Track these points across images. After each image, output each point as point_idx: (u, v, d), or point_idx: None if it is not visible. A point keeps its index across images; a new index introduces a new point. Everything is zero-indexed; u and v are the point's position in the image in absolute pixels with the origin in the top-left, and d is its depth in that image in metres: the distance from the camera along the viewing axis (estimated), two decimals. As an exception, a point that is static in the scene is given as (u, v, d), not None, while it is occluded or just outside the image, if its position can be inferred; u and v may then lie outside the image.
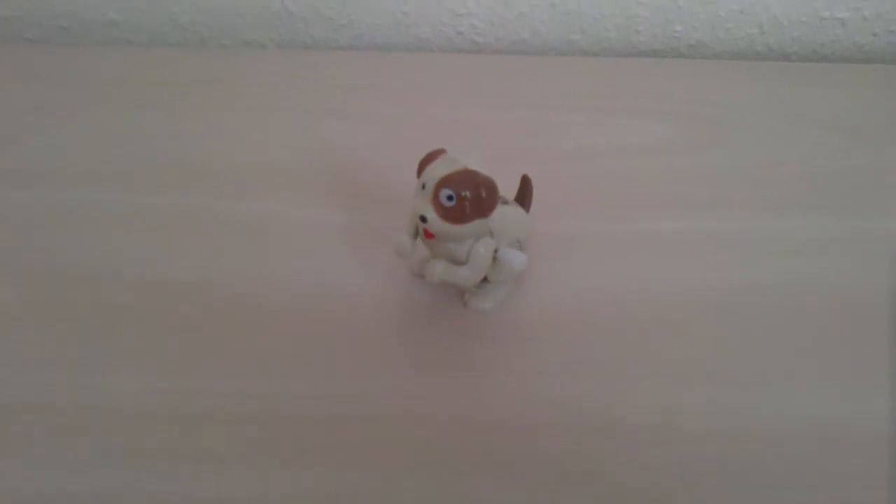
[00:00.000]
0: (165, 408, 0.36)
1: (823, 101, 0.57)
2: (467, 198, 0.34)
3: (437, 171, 0.34)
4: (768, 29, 0.65)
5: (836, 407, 0.37)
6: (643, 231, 0.46)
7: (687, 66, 0.62)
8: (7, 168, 0.49)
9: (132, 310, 0.40)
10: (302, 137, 0.52)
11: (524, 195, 0.42)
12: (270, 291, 0.42)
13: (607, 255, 0.45)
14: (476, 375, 0.38)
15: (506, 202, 0.38)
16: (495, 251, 0.37)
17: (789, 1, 0.63)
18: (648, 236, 0.46)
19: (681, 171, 0.50)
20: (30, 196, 0.47)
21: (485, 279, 0.39)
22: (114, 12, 0.64)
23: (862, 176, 0.50)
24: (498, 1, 0.63)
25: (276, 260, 0.43)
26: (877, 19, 0.64)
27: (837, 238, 0.46)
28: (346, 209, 0.46)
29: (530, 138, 0.52)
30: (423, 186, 0.34)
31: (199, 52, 0.62)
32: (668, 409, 0.37)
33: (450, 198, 0.34)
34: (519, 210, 0.40)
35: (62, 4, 0.63)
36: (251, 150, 0.51)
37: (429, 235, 0.35)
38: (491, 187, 0.34)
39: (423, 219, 0.34)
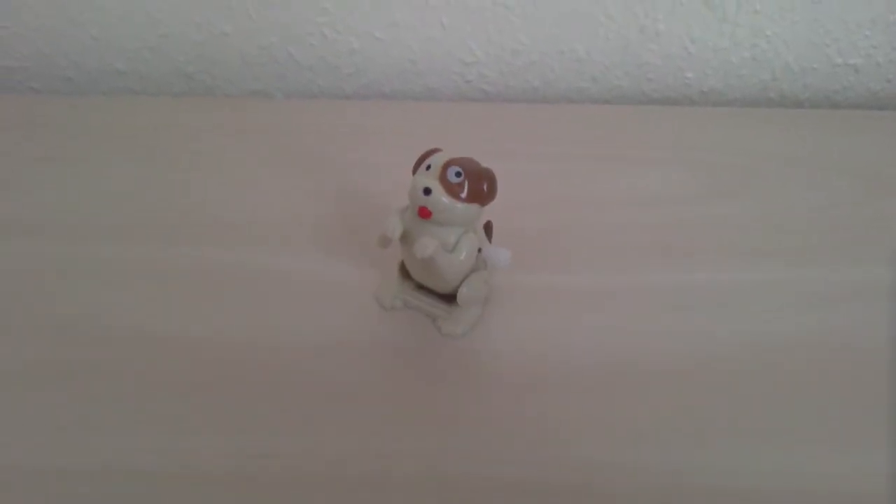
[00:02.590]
0: (168, 467, 0.34)
1: (837, 148, 0.56)
2: (473, 178, 0.35)
3: (444, 156, 0.36)
4: (781, 76, 0.64)
5: (842, 464, 0.35)
6: (653, 283, 0.45)
7: (699, 113, 0.61)
8: (10, 219, 0.48)
9: (131, 366, 0.39)
10: (309, 188, 0.51)
11: (487, 237, 0.42)
12: (279, 348, 0.40)
13: (616, 305, 0.43)
14: (475, 431, 0.36)
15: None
16: (479, 250, 0.38)
17: (802, 48, 0.62)
18: (658, 287, 0.44)
19: (694, 220, 0.49)
20: (33, 248, 0.46)
21: (455, 303, 0.39)
22: (119, 62, 0.64)
23: (878, 224, 0.49)
24: (506, 49, 0.62)
25: (283, 314, 0.42)
26: (890, 65, 0.64)
27: (854, 289, 0.44)
28: (355, 262, 0.45)
29: (540, 187, 0.51)
30: (428, 167, 0.36)
31: (205, 102, 0.61)
32: (680, 465, 0.35)
33: (458, 174, 0.35)
34: (485, 237, 0.41)
35: (68, 55, 0.63)
36: (258, 202, 0.50)
37: (426, 214, 0.35)
38: (493, 177, 0.36)
39: (427, 190, 0.35)
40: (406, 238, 0.38)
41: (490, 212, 0.47)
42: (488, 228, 0.42)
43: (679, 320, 0.42)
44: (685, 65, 0.63)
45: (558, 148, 0.55)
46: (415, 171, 0.37)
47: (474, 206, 0.36)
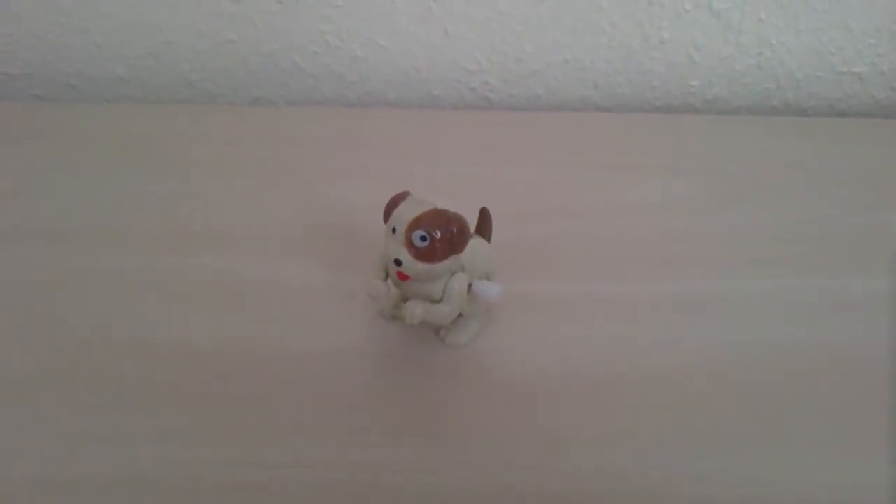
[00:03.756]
0: (168, 477, 0.34)
1: (842, 157, 0.56)
2: (440, 237, 0.34)
3: (407, 213, 0.35)
4: (785, 84, 0.64)
5: (845, 473, 0.35)
6: (656, 291, 0.44)
7: (703, 121, 0.61)
8: (13, 227, 0.48)
9: (131, 374, 0.39)
10: (312, 196, 0.51)
11: (484, 227, 0.41)
12: (282, 356, 0.40)
13: (619, 314, 0.43)
14: (476, 441, 0.36)
15: (471, 236, 0.38)
16: (469, 285, 0.37)
17: (806, 56, 0.62)
18: (660, 297, 0.44)
19: (697, 229, 0.49)
20: (36, 256, 0.46)
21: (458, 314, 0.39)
22: (122, 70, 0.64)
23: (882, 233, 0.49)
24: (510, 57, 0.62)
25: (285, 323, 0.42)
26: (894, 74, 0.63)
27: (858, 298, 0.44)
28: (356, 270, 0.45)
29: (544, 196, 0.51)
30: (394, 230, 0.35)
31: (209, 110, 0.61)
32: (682, 474, 0.35)
33: (423, 238, 0.34)
34: (483, 242, 0.40)
35: (71, 62, 0.63)
36: (262, 210, 0.49)
37: (403, 278, 0.35)
38: (462, 224, 0.35)
39: (398, 262, 0.34)
40: (395, 283, 0.37)
41: (494, 220, 0.47)
42: (485, 216, 0.41)
43: (682, 329, 0.42)
44: (689, 73, 0.63)
45: (561, 156, 0.55)
46: (385, 217, 0.36)
47: (450, 259, 0.35)
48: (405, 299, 0.40)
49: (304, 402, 0.38)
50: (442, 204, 0.36)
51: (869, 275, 0.46)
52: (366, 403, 0.38)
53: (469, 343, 0.41)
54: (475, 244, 0.38)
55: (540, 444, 0.36)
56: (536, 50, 0.62)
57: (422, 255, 0.34)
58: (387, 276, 0.37)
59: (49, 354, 0.40)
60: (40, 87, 0.65)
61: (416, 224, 0.34)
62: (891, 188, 0.53)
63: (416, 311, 0.36)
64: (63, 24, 0.61)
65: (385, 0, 0.59)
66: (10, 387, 0.38)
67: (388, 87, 0.64)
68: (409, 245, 0.34)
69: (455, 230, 0.34)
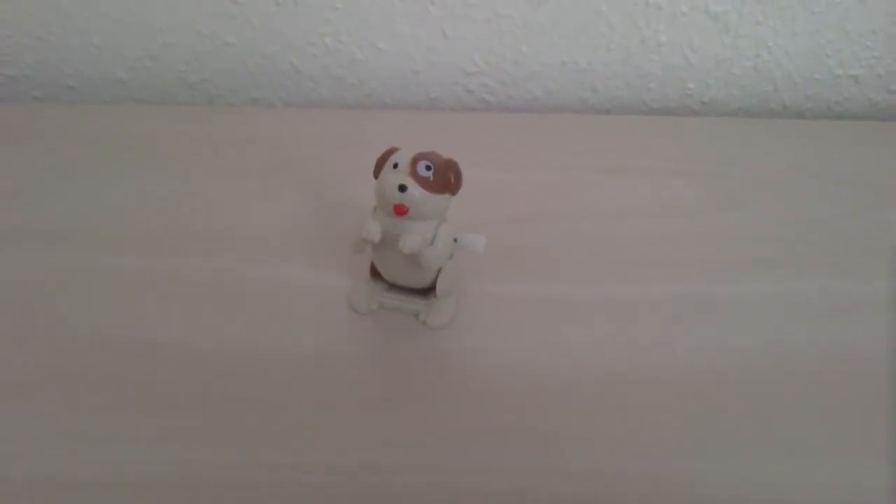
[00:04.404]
0: (179, 478, 0.34)
1: (839, 159, 0.56)
2: (442, 168, 0.37)
3: (407, 152, 0.37)
4: (782, 86, 0.64)
5: (848, 475, 0.35)
6: (654, 294, 0.44)
7: (700, 124, 0.61)
8: (13, 227, 0.48)
9: (130, 376, 0.39)
10: (309, 198, 0.51)
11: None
12: (288, 358, 0.40)
13: (617, 317, 0.43)
14: (477, 443, 0.36)
15: None
16: (454, 239, 0.39)
17: (803, 59, 0.63)
18: (659, 299, 0.44)
19: (696, 231, 0.49)
20: (36, 256, 0.46)
21: (433, 294, 0.40)
22: (121, 71, 0.64)
23: (881, 235, 0.49)
24: (508, 60, 0.63)
25: (283, 324, 0.42)
26: (891, 76, 0.64)
27: (856, 299, 0.44)
28: (354, 272, 0.45)
29: (542, 198, 0.51)
30: (395, 166, 0.36)
31: (208, 111, 0.61)
32: (681, 475, 0.35)
33: (428, 167, 0.36)
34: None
35: (70, 64, 0.63)
36: (261, 211, 0.49)
37: (402, 211, 0.36)
38: (457, 167, 0.37)
39: (403, 188, 0.35)
40: (382, 239, 0.38)
41: (492, 222, 0.47)
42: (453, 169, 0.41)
43: (682, 331, 0.42)
44: (686, 75, 0.64)
45: (559, 158, 0.55)
46: (376, 173, 0.38)
47: (446, 197, 0.37)
48: (382, 288, 0.42)
49: (305, 403, 0.38)
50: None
51: (869, 276, 0.46)
52: (364, 405, 0.38)
53: (450, 322, 0.42)
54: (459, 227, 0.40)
55: (540, 446, 0.36)
56: (534, 52, 0.62)
57: (426, 183, 0.36)
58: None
59: (49, 355, 0.40)
60: (40, 89, 0.65)
61: (420, 156, 0.36)
62: (890, 189, 0.53)
63: (414, 239, 0.36)
64: (63, 25, 0.61)
65: (384, 2, 0.59)
66: (10, 387, 0.38)
67: (386, 89, 0.65)
68: (414, 174, 0.36)
69: (453, 168, 0.37)
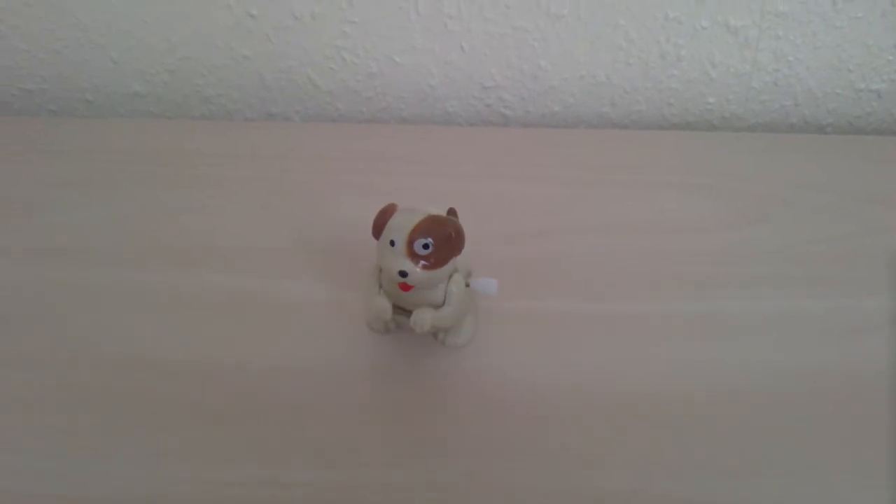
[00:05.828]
0: (192, 497, 0.34)
1: (860, 175, 0.55)
2: (441, 242, 0.35)
3: (403, 223, 0.35)
4: (803, 101, 0.64)
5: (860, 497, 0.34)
6: (669, 311, 0.44)
7: (720, 138, 0.60)
8: (28, 243, 0.47)
9: (147, 394, 0.38)
10: (328, 213, 0.50)
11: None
12: (292, 374, 0.40)
13: (632, 334, 0.42)
14: (485, 461, 0.36)
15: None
16: (466, 284, 0.38)
17: (824, 73, 0.62)
18: (675, 316, 0.43)
19: (714, 248, 0.48)
20: (48, 273, 0.45)
21: None
22: (138, 85, 0.64)
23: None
24: (526, 74, 0.62)
25: (298, 342, 0.41)
26: (914, 91, 0.63)
27: (878, 319, 0.43)
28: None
29: (560, 213, 0.51)
30: (392, 243, 0.35)
31: (224, 125, 0.61)
32: (692, 495, 0.34)
33: (425, 246, 0.34)
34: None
35: (87, 77, 0.63)
36: (277, 226, 0.49)
37: (407, 288, 0.36)
38: (457, 226, 0.36)
39: (404, 273, 0.34)
40: (388, 294, 0.38)
41: (509, 237, 0.46)
42: (452, 216, 0.41)
43: (696, 349, 0.41)
44: (706, 90, 0.63)
45: (578, 173, 0.55)
46: (376, 233, 0.36)
47: (449, 263, 0.36)
48: (396, 308, 0.40)
49: (316, 419, 0.37)
50: (432, 210, 0.36)
51: (889, 294, 0.45)
52: (376, 422, 0.37)
53: (468, 342, 0.41)
54: (468, 268, 0.40)
55: (556, 464, 0.36)
56: (553, 66, 0.62)
57: (426, 262, 0.35)
58: (379, 287, 0.38)
59: (59, 370, 0.40)
60: (57, 102, 0.65)
61: (416, 233, 0.34)
62: (912, 206, 0.52)
63: (425, 318, 0.36)
64: (80, 39, 0.61)
65: (401, 16, 0.59)
66: (19, 402, 0.38)
67: (403, 103, 0.64)
68: (412, 254, 0.34)
69: (452, 234, 0.35)
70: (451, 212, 0.42)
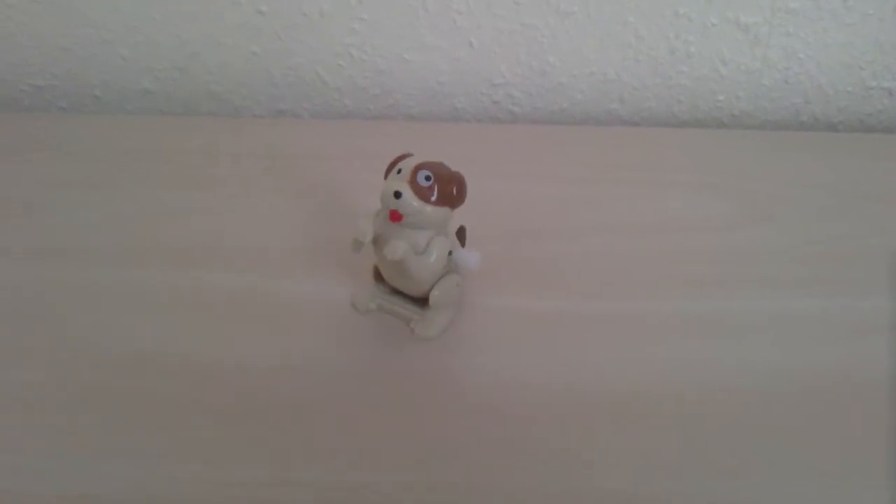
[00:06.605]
0: (194, 497, 0.34)
1: (871, 173, 0.55)
2: (442, 181, 0.36)
3: (412, 160, 0.37)
4: (814, 99, 0.63)
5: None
6: (677, 310, 0.44)
7: (730, 136, 0.60)
8: (29, 242, 0.47)
9: (147, 393, 0.38)
10: (335, 210, 0.50)
11: (459, 241, 0.42)
12: (294, 374, 0.40)
13: (639, 332, 0.42)
14: (479, 462, 0.35)
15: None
16: (450, 253, 0.39)
17: (835, 70, 0.62)
18: (682, 315, 0.43)
19: (723, 246, 0.48)
20: (49, 272, 0.45)
21: (427, 305, 0.40)
22: (148, 82, 0.64)
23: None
24: (535, 70, 0.62)
25: (301, 342, 0.41)
26: (925, 89, 0.63)
27: (888, 319, 0.43)
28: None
29: (567, 211, 0.51)
30: (399, 171, 0.36)
31: (233, 122, 0.61)
32: (692, 495, 0.34)
33: (427, 178, 0.36)
34: (457, 242, 0.41)
35: (96, 74, 0.63)
36: (281, 225, 0.49)
37: (397, 217, 0.36)
38: (462, 181, 0.37)
39: (398, 194, 0.35)
40: (379, 241, 0.38)
41: (516, 235, 0.46)
42: (461, 233, 0.42)
43: (703, 349, 0.41)
44: (716, 87, 0.63)
45: (586, 170, 0.55)
46: (387, 175, 0.38)
47: (444, 209, 0.37)
48: (385, 291, 0.42)
49: (311, 418, 0.37)
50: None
51: (893, 296, 0.45)
52: (371, 421, 0.37)
53: (438, 336, 0.41)
54: (454, 239, 0.40)
55: (541, 462, 0.36)
56: (562, 63, 0.61)
57: (423, 192, 0.36)
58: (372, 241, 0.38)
59: (63, 369, 0.40)
60: (67, 99, 0.65)
61: (422, 165, 0.36)
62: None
63: (398, 247, 0.36)
64: (89, 36, 0.61)
65: (410, 13, 0.59)
66: (20, 401, 0.38)
67: (412, 100, 0.64)
68: (413, 182, 0.36)
69: (456, 183, 0.37)
70: (460, 230, 0.42)
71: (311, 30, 0.60)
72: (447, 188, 0.36)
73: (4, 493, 0.34)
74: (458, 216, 0.39)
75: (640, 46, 0.60)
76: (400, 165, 0.37)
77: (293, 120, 0.65)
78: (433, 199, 0.36)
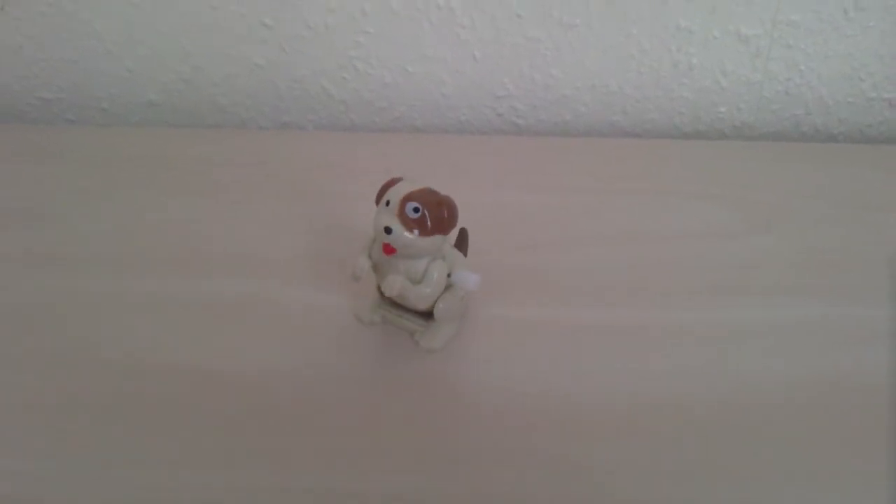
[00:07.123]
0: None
1: (871, 183, 0.55)
2: (431, 211, 0.36)
3: (402, 189, 0.36)
4: (814, 110, 0.64)
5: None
6: (678, 320, 0.44)
7: (731, 147, 0.61)
8: (42, 251, 0.48)
9: (147, 399, 0.38)
10: (339, 221, 0.51)
11: (462, 244, 0.43)
12: (294, 381, 0.40)
13: (641, 342, 0.42)
14: (485, 470, 0.36)
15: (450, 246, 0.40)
16: (448, 276, 0.39)
17: (836, 82, 0.62)
18: (683, 325, 0.43)
19: (725, 256, 0.48)
20: (52, 279, 0.46)
21: (431, 316, 0.40)
22: (153, 94, 0.64)
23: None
24: (538, 83, 0.62)
25: (301, 349, 0.42)
26: (926, 100, 0.63)
27: (889, 327, 0.43)
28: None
29: (572, 222, 0.51)
30: (388, 203, 0.36)
31: (238, 134, 0.61)
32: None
33: (416, 210, 0.35)
34: (459, 254, 0.41)
35: (103, 86, 0.64)
36: (284, 236, 0.49)
37: (389, 251, 0.36)
38: (451, 206, 0.36)
39: (388, 230, 0.35)
40: (377, 268, 0.39)
41: (520, 247, 0.46)
42: (463, 237, 0.42)
43: (704, 358, 0.41)
44: (718, 99, 0.63)
45: (589, 181, 0.55)
46: (378, 201, 0.37)
47: (437, 237, 0.37)
48: (388, 302, 0.42)
49: (310, 425, 0.37)
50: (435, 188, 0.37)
51: (893, 304, 0.45)
52: (370, 428, 0.37)
53: (442, 348, 0.41)
54: (454, 253, 0.40)
55: (544, 471, 0.36)
56: (565, 75, 0.62)
57: (412, 225, 0.35)
58: (370, 260, 0.39)
59: (58, 376, 0.40)
60: (74, 111, 0.65)
61: (410, 196, 0.36)
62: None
63: (395, 282, 0.37)
64: (96, 49, 0.62)
65: (414, 26, 0.59)
66: (24, 407, 0.38)
67: (416, 112, 0.65)
68: (402, 215, 0.35)
69: (445, 210, 0.36)
70: (463, 231, 0.42)
71: (315, 42, 0.61)
72: (437, 217, 0.36)
73: (5, 498, 0.34)
74: (462, 222, 0.39)
75: (642, 59, 0.61)
76: (388, 196, 0.36)
77: (298, 131, 0.65)
78: (424, 229, 0.36)
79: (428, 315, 0.41)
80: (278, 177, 0.55)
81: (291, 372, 0.40)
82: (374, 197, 0.38)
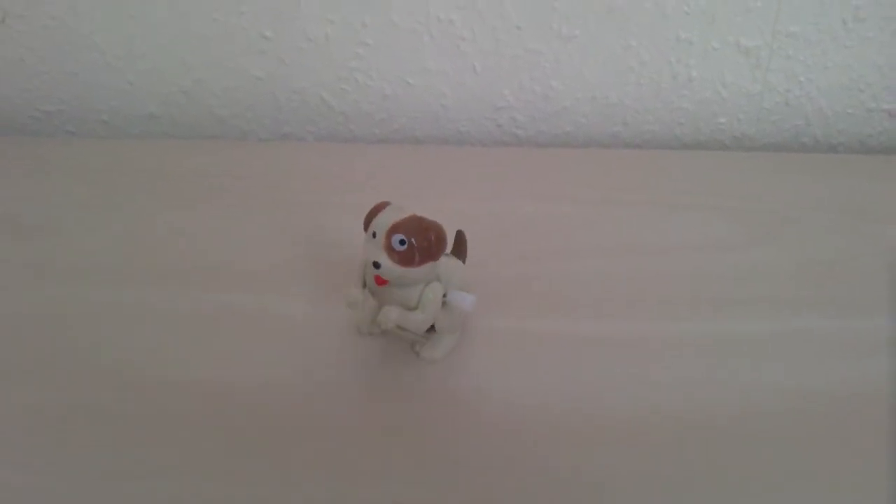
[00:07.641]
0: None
1: (871, 194, 0.55)
2: (418, 242, 0.35)
3: (387, 219, 0.36)
4: (814, 121, 0.64)
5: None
6: (679, 331, 0.44)
7: (731, 158, 0.61)
8: (45, 263, 0.48)
9: (147, 411, 0.38)
10: (338, 233, 0.51)
11: (460, 249, 0.42)
12: (294, 392, 0.40)
13: (643, 354, 0.42)
14: (483, 482, 0.35)
15: (446, 255, 0.39)
16: (444, 295, 0.38)
17: (835, 93, 0.62)
18: (685, 337, 0.43)
19: (725, 268, 0.48)
20: (65, 293, 0.46)
21: (432, 328, 0.39)
22: (154, 106, 0.64)
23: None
24: (538, 94, 0.63)
25: (311, 361, 0.41)
26: (925, 111, 0.63)
27: (890, 338, 0.43)
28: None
29: (571, 233, 0.51)
30: (374, 235, 0.36)
31: (238, 146, 0.61)
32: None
33: (402, 242, 0.35)
34: (457, 261, 0.41)
35: (103, 99, 0.64)
36: (288, 247, 0.49)
37: (381, 282, 0.36)
38: (439, 232, 0.36)
39: (377, 265, 0.35)
40: (373, 293, 0.38)
41: (519, 258, 0.46)
42: (460, 240, 0.42)
43: (705, 370, 0.41)
44: (718, 110, 0.63)
45: (589, 192, 0.55)
46: (365, 227, 0.37)
47: (427, 266, 0.36)
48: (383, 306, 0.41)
49: (309, 435, 0.37)
50: (421, 213, 0.37)
51: (893, 315, 0.45)
52: (369, 439, 0.37)
53: (443, 358, 0.41)
54: (450, 262, 0.39)
55: (544, 485, 0.35)
56: (565, 87, 0.62)
57: (400, 258, 0.35)
58: (364, 285, 0.38)
59: (58, 388, 0.40)
60: (74, 123, 0.65)
61: (395, 228, 0.35)
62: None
63: (390, 314, 0.36)
64: (97, 61, 0.62)
65: (414, 38, 0.60)
66: (25, 419, 0.38)
67: (416, 123, 0.65)
68: (388, 248, 0.35)
69: (432, 237, 0.35)
70: (460, 234, 0.42)
71: (315, 54, 0.61)
72: (425, 246, 0.35)
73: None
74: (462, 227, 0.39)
75: (642, 70, 0.61)
76: (374, 228, 0.36)
77: (298, 143, 0.65)
78: (413, 260, 0.35)
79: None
80: (278, 188, 0.55)
81: (292, 382, 0.40)
82: (374, 207, 0.38)
